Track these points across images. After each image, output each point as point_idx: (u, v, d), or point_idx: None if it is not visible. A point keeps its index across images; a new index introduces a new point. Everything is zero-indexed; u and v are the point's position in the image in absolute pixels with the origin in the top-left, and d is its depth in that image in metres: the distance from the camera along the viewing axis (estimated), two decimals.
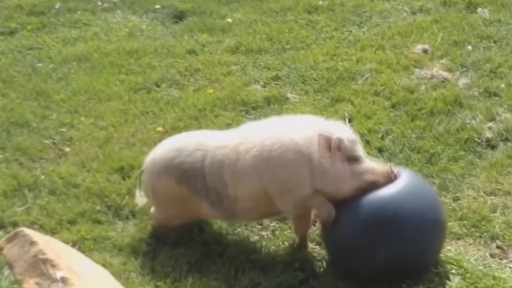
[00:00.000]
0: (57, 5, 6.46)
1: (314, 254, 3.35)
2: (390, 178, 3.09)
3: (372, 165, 3.13)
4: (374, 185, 3.07)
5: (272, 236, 3.51)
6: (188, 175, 3.29)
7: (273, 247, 3.41)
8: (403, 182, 3.12)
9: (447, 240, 3.44)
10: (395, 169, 3.13)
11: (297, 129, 3.13)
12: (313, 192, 3.09)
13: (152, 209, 3.54)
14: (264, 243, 3.45)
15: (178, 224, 3.49)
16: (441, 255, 3.30)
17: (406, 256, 3.06)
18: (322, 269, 3.26)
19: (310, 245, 3.38)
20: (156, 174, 3.38)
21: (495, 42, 5.40)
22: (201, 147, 3.30)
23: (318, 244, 3.40)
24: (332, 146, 3.02)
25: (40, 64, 5.42)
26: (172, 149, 3.38)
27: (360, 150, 3.13)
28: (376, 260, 3.05)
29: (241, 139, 3.22)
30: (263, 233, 3.53)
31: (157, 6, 6.34)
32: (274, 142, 3.11)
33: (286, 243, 3.43)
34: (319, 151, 3.03)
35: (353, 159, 3.07)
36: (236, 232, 3.54)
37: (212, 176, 3.24)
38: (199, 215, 3.43)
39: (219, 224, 3.57)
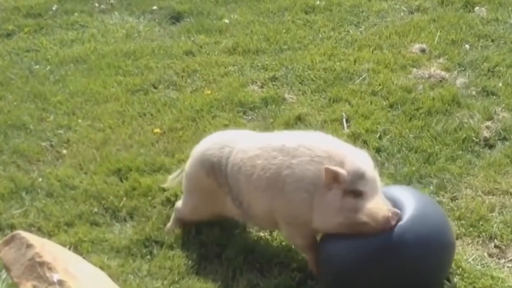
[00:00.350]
0: (54, 7, 6.46)
1: None
2: (384, 226, 2.86)
3: (373, 205, 2.88)
4: (363, 228, 2.86)
5: (270, 237, 3.51)
6: (214, 169, 3.29)
7: (271, 248, 3.40)
8: (409, 208, 2.96)
9: None
10: (395, 216, 2.88)
11: (311, 160, 3.00)
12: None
13: (179, 203, 3.53)
14: (262, 244, 3.44)
15: (203, 219, 3.48)
16: None
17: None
18: None
19: None
20: (192, 162, 3.41)
21: (492, 41, 5.40)
22: (231, 144, 3.30)
23: None
24: (337, 179, 2.90)
25: (37, 66, 5.42)
26: (211, 141, 3.41)
27: (365, 185, 2.90)
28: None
29: (260, 151, 3.15)
30: (261, 234, 3.52)
31: (154, 7, 6.34)
32: (290, 175, 3.02)
33: (284, 244, 3.42)
34: (325, 183, 2.93)
35: (353, 193, 2.90)
36: (234, 233, 3.53)
37: (231, 177, 3.24)
38: (223, 211, 3.39)
39: (217, 226, 3.56)
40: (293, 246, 3.37)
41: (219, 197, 3.32)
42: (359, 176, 2.90)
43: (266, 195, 3.10)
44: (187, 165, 3.47)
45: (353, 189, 2.89)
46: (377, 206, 2.88)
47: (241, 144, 3.27)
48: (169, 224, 3.56)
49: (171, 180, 3.69)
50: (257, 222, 3.33)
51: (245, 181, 3.17)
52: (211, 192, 3.34)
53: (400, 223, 2.89)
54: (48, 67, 5.40)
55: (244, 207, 3.25)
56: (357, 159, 2.97)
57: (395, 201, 3.00)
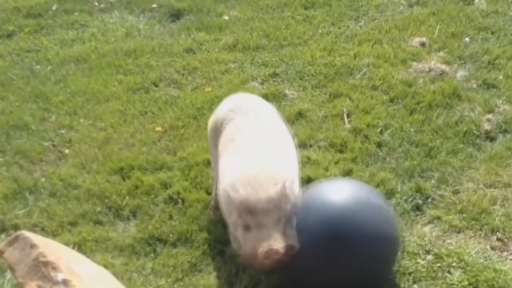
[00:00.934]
0: (54, 7, 6.47)
1: None
2: (262, 263, 2.76)
3: (251, 243, 2.76)
4: (255, 263, 2.79)
5: None
6: (217, 126, 3.34)
7: None
8: (350, 198, 2.95)
9: (447, 233, 3.46)
10: (276, 253, 2.73)
11: (234, 168, 2.96)
12: None
13: None
14: None
15: None
16: (442, 248, 3.31)
17: (358, 273, 2.87)
18: None
19: None
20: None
21: (492, 33, 5.40)
22: (234, 109, 3.34)
23: None
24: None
25: (38, 66, 5.43)
26: (230, 100, 3.48)
27: (253, 219, 2.76)
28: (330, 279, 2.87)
29: (235, 136, 3.17)
30: None
31: (154, 6, 6.34)
32: (223, 172, 3.04)
33: None
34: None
35: (241, 226, 2.81)
36: None
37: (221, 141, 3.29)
38: None
39: (219, 223, 3.57)
40: None
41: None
42: (248, 211, 2.77)
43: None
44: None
45: (242, 222, 2.80)
46: (252, 243, 2.75)
47: (239, 117, 3.28)
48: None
49: None
50: None
51: (221, 153, 3.19)
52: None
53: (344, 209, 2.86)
54: (49, 67, 5.41)
55: None
56: (251, 188, 2.78)
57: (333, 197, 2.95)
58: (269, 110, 3.45)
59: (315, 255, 2.83)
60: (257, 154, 3.00)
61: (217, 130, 3.36)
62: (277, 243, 2.73)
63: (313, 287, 2.92)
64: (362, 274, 2.87)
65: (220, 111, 3.43)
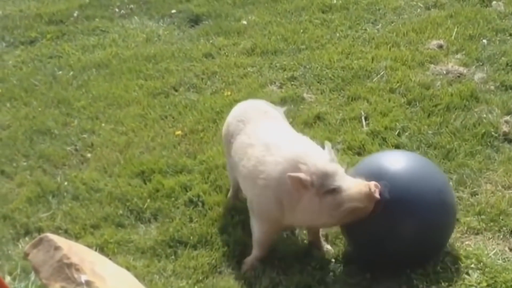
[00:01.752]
0: (75, 13, 6.57)
1: (330, 254, 3.38)
2: (373, 200, 2.95)
3: (352, 190, 2.95)
4: (355, 213, 2.97)
5: (292, 236, 3.55)
6: (228, 136, 3.51)
7: (292, 247, 3.45)
8: (411, 167, 3.19)
9: (466, 235, 3.46)
10: (378, 187, 2.96)
11: (277, 162, 3.10)
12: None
13: None
14: (283, 242, 3.48)
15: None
16: (460, 250, 3.32)
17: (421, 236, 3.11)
18: (338, 268, 3.29)
19: (326, 246, 3.41)
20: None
21: (510, 35, 5.39)
22: (246, 120, 3.46)
23: (334, 244, 3.44)
24: (304, 184, 2.96)
25: (60, 72, 5.53)
26: (238, 109, 3.63)
27: (336, 180, 2.96)
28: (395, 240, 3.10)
29: (255, 141, 3.29)
30: (284, 233, 3.57)
31: (173, 11, 6.42)
32: (263, 171, 3.14)
33: (305, 242, 3.47)
34: (292, 190, 3.00)
35: (329, 192, 2.96)
36: None
37: (233, 152, 3.43)
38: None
39: (239, 225, 3.61)
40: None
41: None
42: (327, 176, 2.96)
43: (246, 183, 3.30)
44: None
45: (327, 189, 2.95)
46: (354, 189, 2.95)
47: (248, 126, 3.41)
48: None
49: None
50: None
51: (237, 163, 3.34)
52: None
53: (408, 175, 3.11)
54: (71, 72, 5.50)
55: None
56: (318, 159, 3.02)
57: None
58: (276, 114, 3.57)
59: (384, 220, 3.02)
60: (285, 140, 3.24)
61: (228, 141, 3.50)
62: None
63: (380, 251, 3.13)
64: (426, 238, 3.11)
65: (230, 123, 3.54)
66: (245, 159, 3.26)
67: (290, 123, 4.43)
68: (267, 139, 3.25)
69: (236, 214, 3.66)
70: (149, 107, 4.88)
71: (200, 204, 3.80)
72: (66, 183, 4.10)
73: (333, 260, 3.33)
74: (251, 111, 3.55)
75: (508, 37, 5.35)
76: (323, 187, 2.95)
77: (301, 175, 2.95)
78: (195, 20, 6.27)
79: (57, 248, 2.91)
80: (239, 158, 3.32)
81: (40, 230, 3.67)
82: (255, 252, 3.32)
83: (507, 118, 4.33)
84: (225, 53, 5.61)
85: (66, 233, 3.67)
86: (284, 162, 3.07)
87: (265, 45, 5.60)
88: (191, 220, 3.68)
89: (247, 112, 3.53)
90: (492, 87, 4.70)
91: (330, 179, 2.96)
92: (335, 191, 2.95)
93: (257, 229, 3.27)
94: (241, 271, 3.30)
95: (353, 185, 2.97)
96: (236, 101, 4.76)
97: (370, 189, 2.93)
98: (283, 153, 3.11)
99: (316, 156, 3.05)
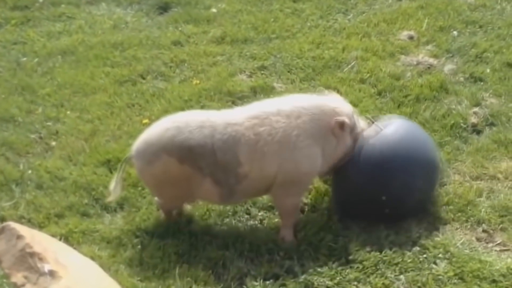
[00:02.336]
0: None
1: (299, 243, 3.37)
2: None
3: (363, 126, 3.51)
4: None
5: (260, 226, 3.52)
6: (194, 152, 3.26)
7: (260, 237, 3.41)
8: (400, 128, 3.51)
9: (434, 225, 3.48)
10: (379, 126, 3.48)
11: (312, 117, 3.33)
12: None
13: (156, 198, 3.55)
14: (250, 232, 3.45)
15: (181, 205, 3.54)
16: (428, 240, 3.33)
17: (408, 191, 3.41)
18: (307, 257, 3.28)
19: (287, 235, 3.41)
20: (154, 156, 3.30)
21: (480, 27, 5.43)
22: (207, 123, 3.31)
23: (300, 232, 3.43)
24: (345, 127, 3.35)
25: (24, 59, 5.40)
26: (169, 128, 3.32)
27: (356, 121, 3.47)
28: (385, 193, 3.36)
29: (257, 120, 3.28)
30: (251, 222, 3.54)
31: None
32: (299, 134, 3.28)
33: (272, 232, 3.44)
34: (334, 135, 3.34)
35: (354, 130, 3.43)
36: (223, 222, 3.54)
37: (223, 153, 3.26)
38: (196, 196, 3.41)
39: (207, 215, 3.57)
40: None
41: (194, 181, 3.31)
42: (353, 118, 3.44)
43: (276, 158, 3.27)
44: (142, 163, 3.35)
45: (356, 130, 3.44)
46: (363, 125, 3.54)
47: (221, 119, 3.31)
48: (162, 215, 3.57)
49: (114, 191, 3.49)
50: (240, 195, 3.38)
51: (248, 150, 3.25)
52: (184, 179, 3.31)
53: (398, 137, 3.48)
54: (36, 59, 5.38)
55: (230, 184, 3.28)
56: (343, 105, 3.45)
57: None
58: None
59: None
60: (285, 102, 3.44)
61: (200, 154, 3.28)
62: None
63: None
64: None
65: (182, 142, 3.27)
66: (261, 140, 3.24)
67: None
68: (271, 110, 3.32)
69: (203, 204, 3.61)
70: (115, 95, 4.80)
71: None
72: (29, 171, 4.00)
73: (301, 249, 3.30)
74: (188, 116, 3.43)
75: (478, 29, 5.38)
76: (354, 128, 3.43)
77: (345, 118, 3.34)
78: (164, 7, 6.17)
79: (19, 237, 2.85)
80: (248, 145, 3.24)
81: (2, 219, 3.58)
82: (289, 223, 3.41)
83: (476, 109, 4.36)
84: (194, 41, 5.54)
85: (30, 222, 3.59)
86: (314, 115, 3.32)
87: (235, 34, 5.54)
88: (158, 210, 3.63)
89: (190, 118, 3.39)
90: (462, 79, 4.73)
91: (356, 121, 3.46)
92: (356, 128, 3.44)
93: (292, 198, 3.39)
94: (285, 245, 3.33)
95: (363, 126, 3.53)
96: (205, 90, 4.74)
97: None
98: (307, 109, 3.33)
99: (343, 102, 3.49)
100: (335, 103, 3.44)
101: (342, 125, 3.34)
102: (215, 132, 3.27)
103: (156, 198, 3.58)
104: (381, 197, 3.36)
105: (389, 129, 3.49)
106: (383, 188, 3.37)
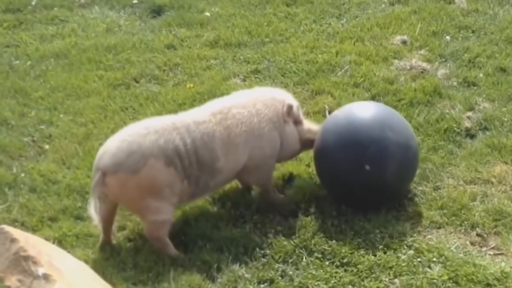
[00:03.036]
0: (34, 2, 6.40)
1: (293, 246, 3.36)
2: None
3: (308, 125, 3.73)
4: (309, 144, 3.70)
5: (255, 229, 3.51)
6: (178, 153, 3.26)
7: (255, 241, 3.40)
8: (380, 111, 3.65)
9: (428, 229, 3.49)
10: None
11: (266, 104, 3.57)
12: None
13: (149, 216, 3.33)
14: (246, 236, 3.44)
15: (171, 220, 3.37)
16: (422, 243, 3.34)
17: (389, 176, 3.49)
18: (301, 260, 3.28)
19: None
20: (138, 163, 3.19)
21: (473, 32, 5.45)
22: (178, 124, 3.35)
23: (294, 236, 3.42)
24: (292, 113, 3.60)
25: (17, 62, 5.38)
26: (146, 134, 3.25)
27: (301, 114, 3.72)
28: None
29: (221, 115, 3.44)
30: (246, 226, 3.53)
31: (135, 1, 6.31)
32: (260, 120, 3.51)
33: (268, 236, 3.43)
34: (284, 119, 3.58)
35: (298, 122, 3.66)
36: (218, 226, 3.53)
37: (203, 150, 3.34)
38: (176, 200, 3.36)
39: (201, 218, 3.56)
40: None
41: (174, 187, 3.28)
42: (299, 108, 3.69)
43: (246, 147, 3.48)
44: (124, 173, 3.19)
45: (299, 119, 3.67)
46: (309, 124, 3.76)
47: (191, 119, 3.38)
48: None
49: (94, 215, 3.32)
50: (212, 188, 3.51)
51: (223, 144, 3.39)
52: (168, 185, 3.26)
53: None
54: (29, 62, 5.36)
55: (203, 181, 3.38)
56: (290, 97, 3.71)
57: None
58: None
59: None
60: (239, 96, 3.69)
61: (181, 155, 3.29)
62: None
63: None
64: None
65: (164, 146, 3.25)
66: (232, 133, 3.41)
67: None
68: (229, 105, 3.51)
69: (195, 207, 3.63)
70: (109, 98, 4.78)
71: None
72: (23, 174, 3.98)
73: (295, 252, 3.30)
74: (150, 122, 3.43)
75: (471, 34, 5.41)
76: (298, 116, 3.65)
77: (293, 103, 3.61)
78: (157, 11, 6.17)
79: (13, 240, 2.82)
80: (221, 139, 3.38)
81: None
82: (270, 189, 3.68)
83: (469, 114, 4.37)
84: (187, 45, 5.54)
85: (23, 226, 3.57)
86: (267, 101, 3.57)
87: (228, 38, 5.54)
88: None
89: (154, 123, 3.39)
90: (455, 83, 4.74)
91: (300, 112, 3.70)
92: (300, 122, 3.66)
93: (260, 176, 3.63)
94: (276, 208, 3.62)
95: (307, 122, 3.77)
96: (199, 94, 4.73)
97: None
98: (260, 99, 3.58)
99: (287, 94, 3.75)
100: (283, 94, 3.73)
101: (290, 109, 3.58)
102: (190, 131, 3.33)
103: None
104: (364, 166, 3.44)
105: (354, 105, 3.78)
106: (363, 151, 3.47)
